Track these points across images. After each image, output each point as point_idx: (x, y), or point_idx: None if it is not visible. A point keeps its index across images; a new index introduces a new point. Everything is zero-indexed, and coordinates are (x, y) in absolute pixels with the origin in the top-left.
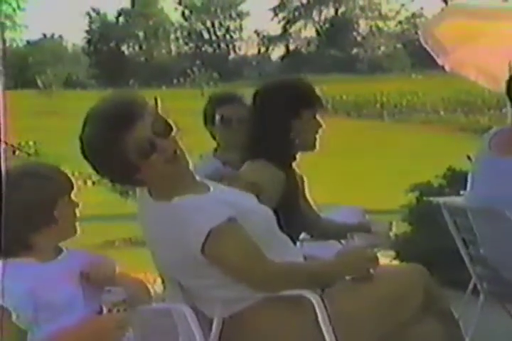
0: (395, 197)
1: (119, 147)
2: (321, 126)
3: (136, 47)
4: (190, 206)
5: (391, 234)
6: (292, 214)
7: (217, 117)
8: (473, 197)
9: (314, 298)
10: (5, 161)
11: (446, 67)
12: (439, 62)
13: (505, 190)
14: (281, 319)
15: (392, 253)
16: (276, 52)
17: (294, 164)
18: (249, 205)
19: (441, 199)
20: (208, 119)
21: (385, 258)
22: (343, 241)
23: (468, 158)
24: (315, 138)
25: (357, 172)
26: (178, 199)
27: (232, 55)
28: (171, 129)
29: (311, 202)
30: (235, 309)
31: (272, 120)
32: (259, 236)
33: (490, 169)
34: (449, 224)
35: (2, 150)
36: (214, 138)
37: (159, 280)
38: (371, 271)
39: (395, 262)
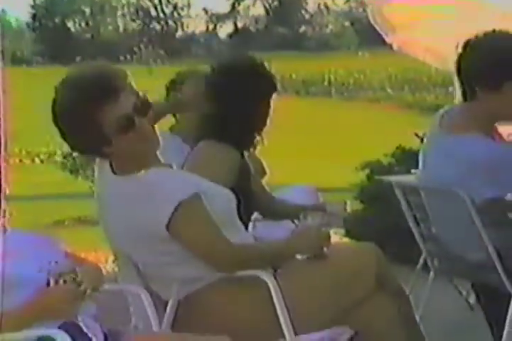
0: (346, 175)
1: (97, 119)
2: (270, 107)
3: (83, 24)
4: (158, 178)
5: (346, 213)
6: (246, 194)
7: (181, 94)
8: (425, 176)
9: (269, 279)
10: None
11: (394, 46)
12: (388, 40)
13: (455, 168)
14: (236, 299)
15: (343, 230)
16: (225, 30)
17: (253, 145)
18: (212, 186)
19: (393, 178)
20: (171, 95)
21: (336, 236)
22: (296, 221)
23: (416, 135)
24: (267, 120)
25: (307, 150)
26: (145, 172)
27: (179, 33)
28: (150, 107)
29: (264, 183)
30: (190, 290)
31: (233, 101)
32: (218, 217)
33: (440, 148)
34: (401, 203)
35: None
36: (174, 115)
37: (111, 259)
38: (324, 249)
39: (346, 239)
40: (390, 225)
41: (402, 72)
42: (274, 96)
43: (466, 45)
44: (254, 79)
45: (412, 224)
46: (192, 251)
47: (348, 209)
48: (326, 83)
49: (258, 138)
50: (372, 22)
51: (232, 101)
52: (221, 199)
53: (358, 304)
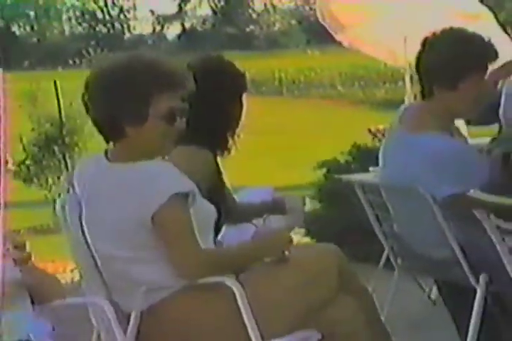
0: (303, 174)
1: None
2: (242, 107)
3: (28, 28)
4: (159, 169)
5: (305, 209)
6: (221, 200)
7: None
8: (386, 174)
9: (234, 285)
10: None
11: (345, 44)
12: (337, 38)
13: (415, 166)
14: (201, 307)
15: (303, 230)
16: (172, 31)
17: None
18: (200, 197)
19: (353, 177)
20: None
21: (296, 236)
22: (257, 224)
23: (369, 131)
24: (239, 121)
25: (261, 150)
26: (147, 161)
27: (127, 35)
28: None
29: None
30: (153, 300)
31: (203, 102)
32: (197, 225)
33: (400, 146)
34: (362, 202)
35: None
36: None
37: (69, 268)
38: (286, 252)
39: (306, 239)
40: (350, 223)
41: (352, 69)
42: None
43: (424, 42)
44: (224, 79)
45: (373, 222)
46: (166, 246)
47: (307, 204)
48: (276, 82)
49: (231, 141)
50: (320, 20)
51: (202, 103)
52: (204, 211)
53: (322, 306)
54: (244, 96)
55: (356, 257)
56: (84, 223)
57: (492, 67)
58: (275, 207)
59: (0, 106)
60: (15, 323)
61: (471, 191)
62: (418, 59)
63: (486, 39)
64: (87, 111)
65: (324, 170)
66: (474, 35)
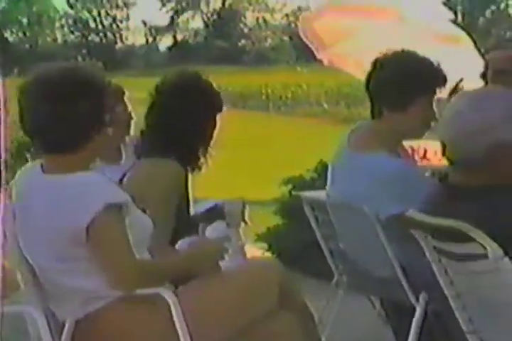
0: (271, 189)
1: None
2: (216, 126)
3: (20, 34)
4: (92, 180)
5: (245, 212)
6: (184, 214)
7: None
8: (333, 192)
9: (169, 297)
10: None
11: (325, 62)
12: (318, 56)
13: (362, 185)
14: (136, 319)
15: (265, 245)
16: (164, 43)
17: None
18: (135, 208)
19: (303, 194)
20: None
21: (257, 251)
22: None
23: None
24: (211, 139)
25: (240, 164)
26: (80, 173)
27: (119, 45)
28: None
29: None
30: (89, 308)
31: (178, 118)
32: (132, 237)
33: (347, 165)
34: (309, 218)
35: None
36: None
37: None
38: (219, 263)
39: (267, 254)
40: (310, 240)
41: (338, 87)
42: (219, 115)
43: (375, 63)
44: (201, 97)
45: (320, 240)
46: (101, 258)
47: (247, 208)
48: (263, 97)
49: (203, 158)
50: (303, 38)
51: (178, 119)
52: (140, 224)
53: (260, 320)
54: (219, 116)
55: (318, 274)
56: (19, 233)
57: (440, 91)
58: (216, 213)
59: None
60: None
61: (410, 211)
62: (368, 79)
63: (435, 63)
64: (28, 122)
65: (290, 186)
66: (424, 59)
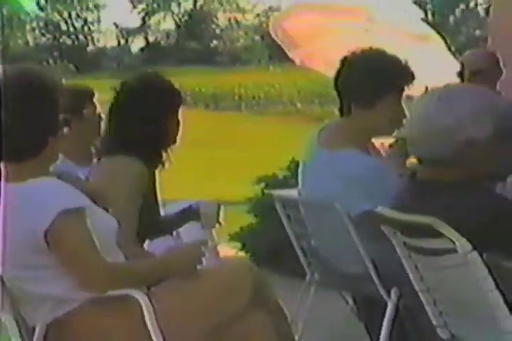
0: (244, 189)
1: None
2: (179, 123)
3: None
4: (47, 186)
5: (220, 213)
6: (152, 213)
7: (85, 111)
8: (305, 190)
9: (141, 298)
10: None
11: (297, 61)
12: (290, 55)
13: (332, 183)
14: (107, 321)
15: (238, 244)
16: (136, 44)
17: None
18: (97, 209)
19: (275, 192)
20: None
21: (230, 250)
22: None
23: None
24: (177, 134)
25: (213, 164)
26: (35, 179)
27: (91, 47)
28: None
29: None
30: (59, 312)
31: (145, 118)
32: (97, 238)
33: (317, 163)
34: (281, 217)
35: None
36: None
37: None
38: (198, 267)
39: (241, 253)
40: (284, 238)
41: (311, 86)
42: (180, 112)
43: (344, 61)
44: (159, 95)
45: (293, 238)
46: (66, 264)
47: (222, 210)
48: (236, 97)
49: (165, 155)
50: (274, 37)
51: (138, 118)
52: (103, 224)
53: (233, 321)
54: (180, 112)
55: (291, 272)
56: None
57: (409, 88)
58: (190, 214)
59: None
60: None
61: (380, 208)
62: (337, 77)
63: (403, 61)
64: None
65: (262, 185)
66: (392, 57)
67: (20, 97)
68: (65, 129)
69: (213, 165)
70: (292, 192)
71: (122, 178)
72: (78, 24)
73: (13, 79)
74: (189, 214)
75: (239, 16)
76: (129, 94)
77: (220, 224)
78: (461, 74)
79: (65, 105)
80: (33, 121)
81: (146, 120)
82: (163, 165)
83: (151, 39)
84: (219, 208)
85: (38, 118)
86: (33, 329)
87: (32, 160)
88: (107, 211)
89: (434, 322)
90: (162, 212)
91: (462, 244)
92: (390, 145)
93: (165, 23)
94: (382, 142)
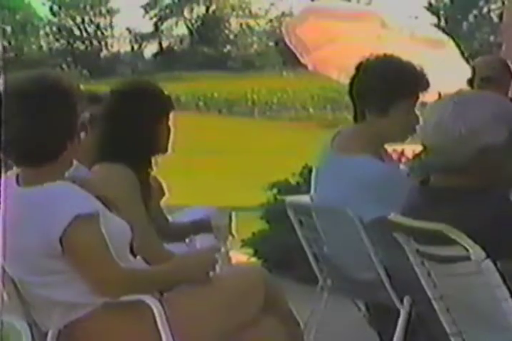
0: (257, 194)
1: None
2: (169, 129)
3: (5, 43)
4: (62, 190)
5: (232, 225)
6: (156, 218)
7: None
8: (317, 196)
9: (153, 304)
10: None
11: (309, 66)
12: (302, 61)
13: (345, 189)
14: (120, 327)
15: (250, 250)
16: (149, 50)
17: (150, 167)
18: (110, 215)
19: (287, 198)
20: None
21: (243, 256)
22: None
23: None
24: (168, 141)
25: (225, 169)
26: (50, 184)
27: (104, 52)
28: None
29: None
30: (72, 317)
31: (133, 124)
32: (111, 244)
33: (330, 169)
34: (293, 223)
35: None
36: None
37: None
38: (210, 273)
39: (253, 259)
40: (296, 245)
41: (324, 92)
42: (170, 118)
43: (359, 67)
44: (146, 101)
45: (305, 244)
46: (80, 269)
47: (234, 219)
48: (249, 103)
49: (153, 160)
50: (287, 43)
51: (126, 124)
52: (117, 230)
53: (245, 327)
54: (171, 117)
55: (305, 279)
56: None
57: (423, 95)
58: (203, 225)
59: None
60: None
61: (392, 215)
62: (351, 83)
63: (418, 68)
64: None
65: (275, 190)
66: (407, 63)
67: (39, 102)
68: (82, 134)
69: (226, 171)
70: (304, 198)
71: (116, 185)
72: (91, 29)
73: (31, 84)
74: (201, 226)
75: (251, 22)
76: (114, 101)
77: (232, 236)
78: (471, 81)
79: (82, 110)
80: (51, 125)
81: (133, 127)
82: (152, 169)
83: (164, 44)
84: (231, 219)
85: (56, 122)
86: (46, 334)
87: (50, 164)
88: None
89: (448, 330)
90: (170, 218)
91: (475, 251)
92: (416, 155)
93: (178, 29)
94: (394, 148)
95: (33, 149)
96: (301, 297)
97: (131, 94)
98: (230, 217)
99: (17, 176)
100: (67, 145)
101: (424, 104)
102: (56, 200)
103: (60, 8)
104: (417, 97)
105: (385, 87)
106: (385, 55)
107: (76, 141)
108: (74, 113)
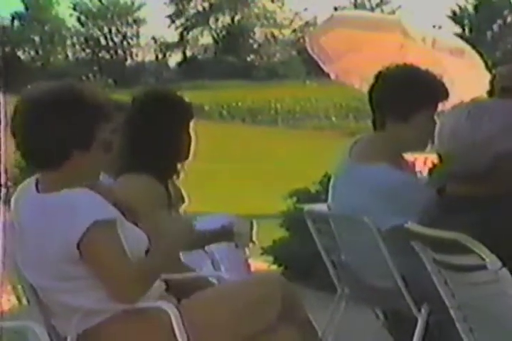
0: (277, 202)
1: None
2: (190, 137)
3: (32, 53)
4: (80, 197)
5: (253, 232)
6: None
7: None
8: (335, 204)
9: (171, 310)
10: None
11: (332, 75)
12: (325, 70)
13: (362, 197)
14: (138, 333)
15: (270, 258)
16: (174, 59)
17: (175, 175)
18: (128, 224)
19: (306, 207)
20: None
21: (263, 264)
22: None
23: None
24: (189, 149)
25: (247, 177)
26: (69, 190)
27: (129, 61)
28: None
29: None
30: (90, 323)
31: (153, 133)
32: (128, 251)
33: (348, 177)
34: (312, 231)
35: None
36: None
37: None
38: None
39: (273, 267)
40: (316, 252)
41: (347, 101)
42: (192, 125)
43: (378, 75)
44: (166, 110)
45: (322, 252)
46: (98, 275)
47: (255, 227)
48: (272, 112)
49: (179, 166)
50: (310, 52)
51: (148, 133)
52: (134, 239)
53: (262, 334)
54: (194, 126)
55: (324, 287)
56: (17, 252)
57: (443, 104)
58: (224, 233)
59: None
60: None
61: (410, 223)
62: (371, 91)
63: (438, 77)
64: (20, 139)
65: (295, 199)
66: (427, 72)
67: (51, 108)
68: (108, 144)
69: (247, 178)
70: (323, 207)
71: (140, 196)
72: (117, 39)
73: (44, 94)
74: (222, 234)
75: (276, 31)
76: (136, 110)
77: (253, 243)
78: (490, 91)
79: (108, 120)
80: (56, 131)
81: (153, 135)
82: (178, 176)
83: (188, 53)
84: (252, 227)
85: (62, 129)
86: (65, 339)
87: (61, 171)
88: (136, 225)
89: (465, 339)
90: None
91: (492, 260)
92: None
93: (203, 38)
94: (414, 157)
95: (38, 153)
96: (320, 304)
97: (150, 102)
98: (252, 225)
99: (36, 183)
100: (73, 153)
101: (441, 113)
102: (75, 206)
103: (87, 18)
104: (437, 106)
105: (405, 95)
106: (404, 64)
107: (93, 150)
108: (87, 121)
